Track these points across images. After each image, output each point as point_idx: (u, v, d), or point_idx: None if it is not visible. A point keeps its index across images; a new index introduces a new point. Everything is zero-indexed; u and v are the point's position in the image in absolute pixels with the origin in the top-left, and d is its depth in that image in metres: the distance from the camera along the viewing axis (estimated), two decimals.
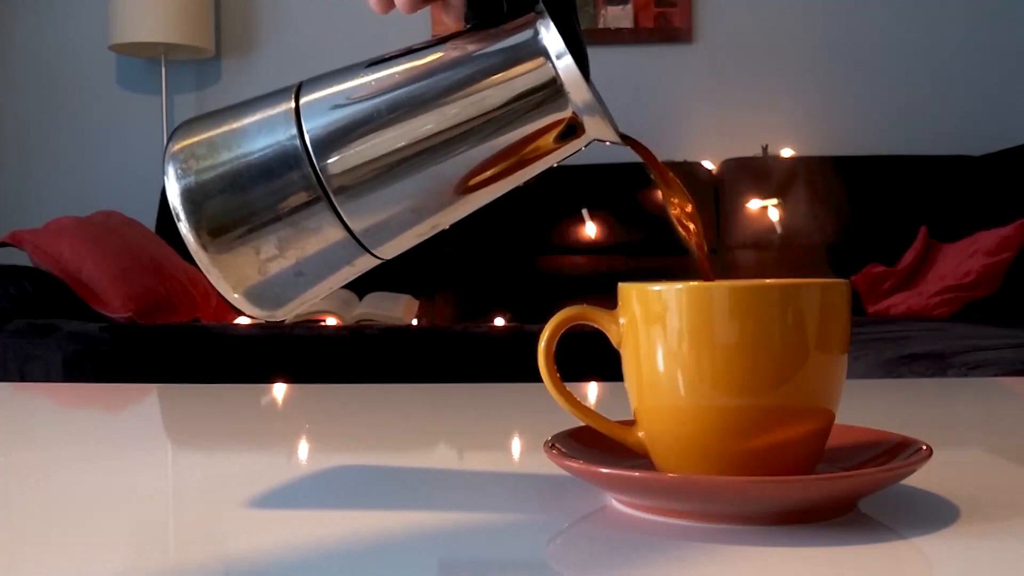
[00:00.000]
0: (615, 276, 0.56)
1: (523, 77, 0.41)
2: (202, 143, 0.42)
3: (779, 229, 2.81)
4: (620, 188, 2.86)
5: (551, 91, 0.41)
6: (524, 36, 0.41)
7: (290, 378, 1.98)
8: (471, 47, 0.42)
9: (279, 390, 0.90)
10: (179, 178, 0.42)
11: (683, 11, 3.12)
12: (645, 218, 2.85)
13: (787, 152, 3.00)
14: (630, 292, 0.43)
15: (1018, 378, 1.06)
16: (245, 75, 3.22)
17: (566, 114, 0.41)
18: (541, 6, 0.42)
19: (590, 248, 2.85)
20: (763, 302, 0.40)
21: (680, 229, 0.46)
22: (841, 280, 0.42)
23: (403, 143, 0.41)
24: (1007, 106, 3.10)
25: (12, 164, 3.28)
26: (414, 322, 2.59)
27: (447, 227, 0.45)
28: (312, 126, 0.41)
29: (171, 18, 2.91)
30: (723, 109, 3.11)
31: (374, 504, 0.44)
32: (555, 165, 0.44)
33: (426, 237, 0.45)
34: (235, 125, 0.42)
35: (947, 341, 1.69)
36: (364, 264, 0.44)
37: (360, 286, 2.74)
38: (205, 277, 0.42)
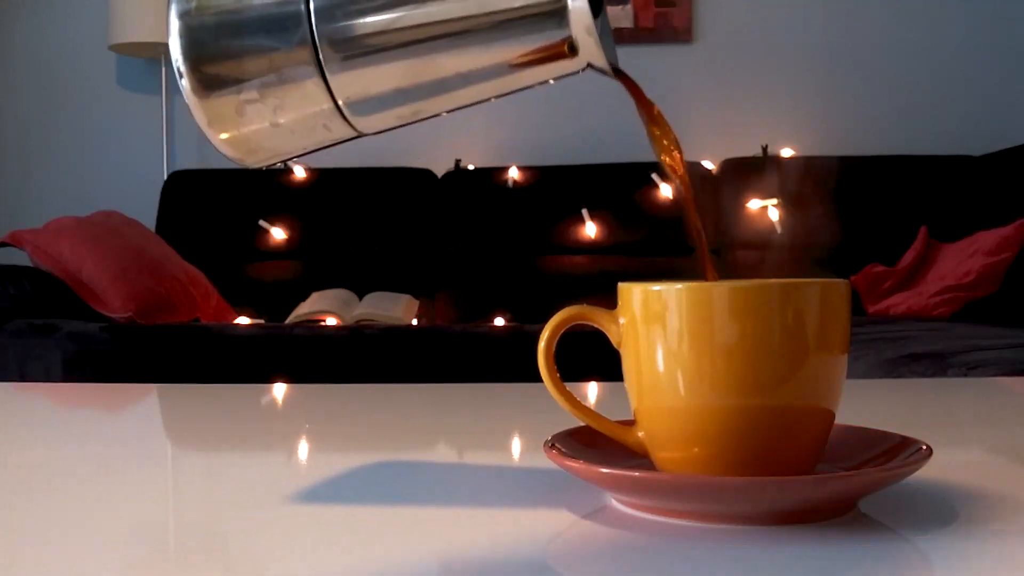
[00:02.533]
0: (615, 276, 0.56)
1: None
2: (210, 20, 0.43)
3: (779, 229, 2.81)
4: (620, 188, 2.86)
5: (555, 8, 0.42)
6: None
7: (290, 378, 1.98)
8: None
9: (279, 390, 0.90)
10: (181, 2, 0.43)
11: (683, 11, 3.12)
12: (645, 218, 2.85)
13: (787, 152, 3.00)
14: (630, 292, 0.43)
15: (1018, 378, 1.06)
16: None
17: (564, 33, 0.42)
18: None
19: (590, 248, 2.85)
20: (763, 302, 0.40)
21: (667, 169, 0.47)
22: (841, 280, 0.42)
23: (400, 25, 0.42)
24: (1007, 106, 3.10)
25: (12, 164, 3.28)
26: (414, 322, 2.59)
27: (429, 115, 0.45)
28: None
29: None
30: (723, 109, 3.11)
31: (374, 504, 0.44)
32: (548, 82, 0.45)
33: (406, 122, 0.45)
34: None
35: (947, 341, 1.69)
36: (340, 131, 0.45)
37: (360, 286, 2.74)
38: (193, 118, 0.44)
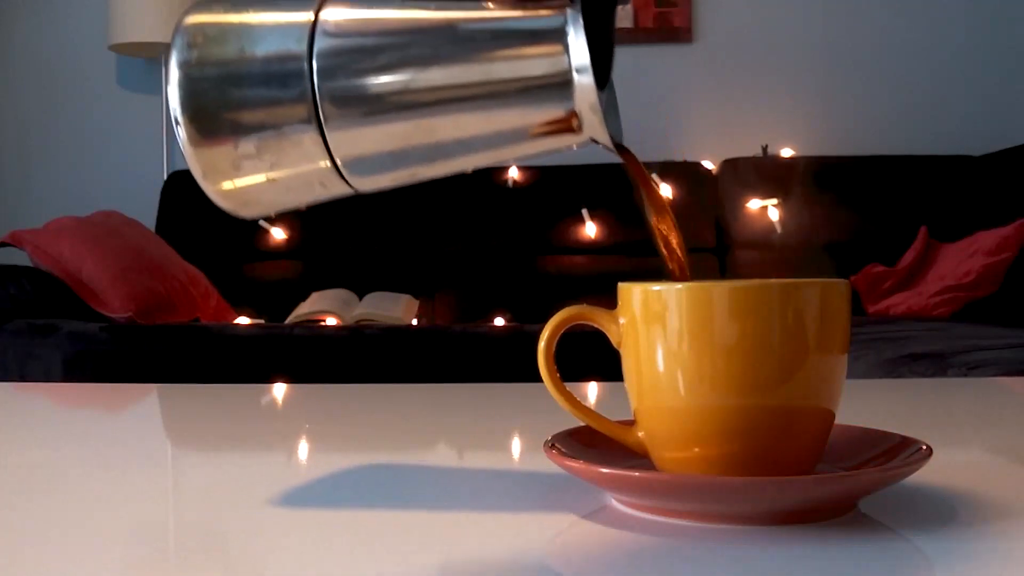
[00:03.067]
0: (615, 276, 0.56)
1: (536, 60, 0.41)
2: (215, 25, 0.43)
3: (779, 229, 2.81)
4: (620, 188, 2.86)
5: (559, 83, 0.41)
6: (552, 20, 0.41)
7: (290, 378, 1.98)
8: (497, 13, 0.42)
9: (279, 390, 0.90)
10: (183, 52, 0.42)
11: (683, 11, 3.12)
12: (645, 218, 2.85)
13: (787, 152, 3.00)
14: (630, 292, 0.43)
15: (1018, 378, 1.06)
16: None
17: (568, 107, 0.41)
18: None
19: (590, 248, 2.85)
20: (763, 302, 0.40)
21: (663, 252, 0.46)
22: (841, 280, 0.42)
23: (403, 88, 0.41)
24: (1007, 106, 3.10)
25: (12, 164, 3.28)
26: (414, 322, 2.59)
27: (426, 179, 0.45)
28: (323, 46, 0.42)
29: (171, 18, 2.91)
30: (723, 109, 3.11)
31: (374, 504, 0.44)
32: (547, 153, 0.44)
33: (402, 183, 0.45)
34: (252, 19, 0.43)
35: (947, 341, 1.69)
36: (336, 189, 0.44)
37: (360, 286, 2.74)
38: (187, 166, 0.43)
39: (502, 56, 0.41)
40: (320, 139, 0.42)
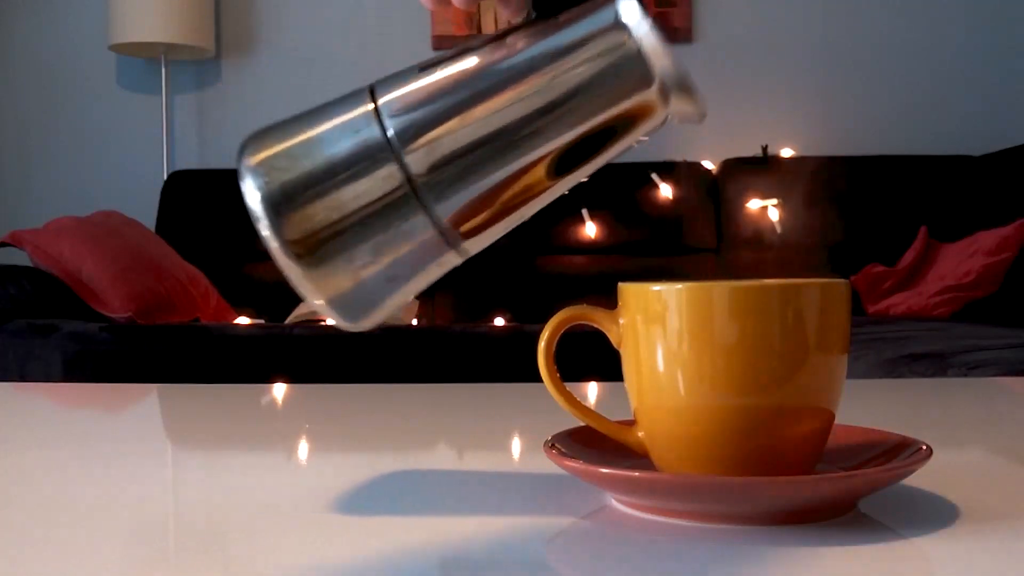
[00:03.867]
0: (615, 276, 0.56)
1: (605, 56, 0.40)
2: (280, 154, 0.41)
3: (779, 229, 2.81)
4: (620, 188, 2.86)
5: (635, 66, 0.40)
6: (603, 16, 0.40)
7: (290, 378, 1.98)
8: (545, 32, 0.41)
9: (279, 390, 0.90)
10: (263, 191, 0.40)
11: (683, 11, 3.12)
12: (645, 218, 2.85)
13: (787, 152, 3.00)
14: (630, 292, 0.43)
15: (1018, 378, 1.06)
16: (245, 75, 3.22)
17: (652, 89, 0.41)
18: None
19: (590, 248, 2.85)
20: (763, 302, 0.40)
21: None
22: (841, 280, 0.42)
23: (487, 132, 0.40)
24: (1007, 106, 3.10)
25: (12, 164, 3.28)
26: (414, 322, 2.59)
27: (531, 215, 0.44)
28: (395, 123, 0.40)
29: (171, 18, 2.91)
30: (723, 109, 3.11)
31: (374, 504, 0.44)
32: (639, 141, 0.43)
33: (510, 228, 0.43)
34: (312, 133, 0.41)
35: (947, 341, 1.69)
36: (450, 262, 0.42)
37: None
38: (290, 285, 0.41)
39: (569, 67, 0.41)
40: (425, 214, 0.40)
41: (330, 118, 0.42)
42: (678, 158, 2.97)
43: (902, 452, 0.42)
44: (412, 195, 0.40)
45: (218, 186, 2.96)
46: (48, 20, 3.27)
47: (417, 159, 0.40)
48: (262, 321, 2.59)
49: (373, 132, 0.40)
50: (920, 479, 0.45)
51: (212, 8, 3.06)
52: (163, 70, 3.11)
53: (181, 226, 2.89)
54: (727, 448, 0.41)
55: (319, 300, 0.41)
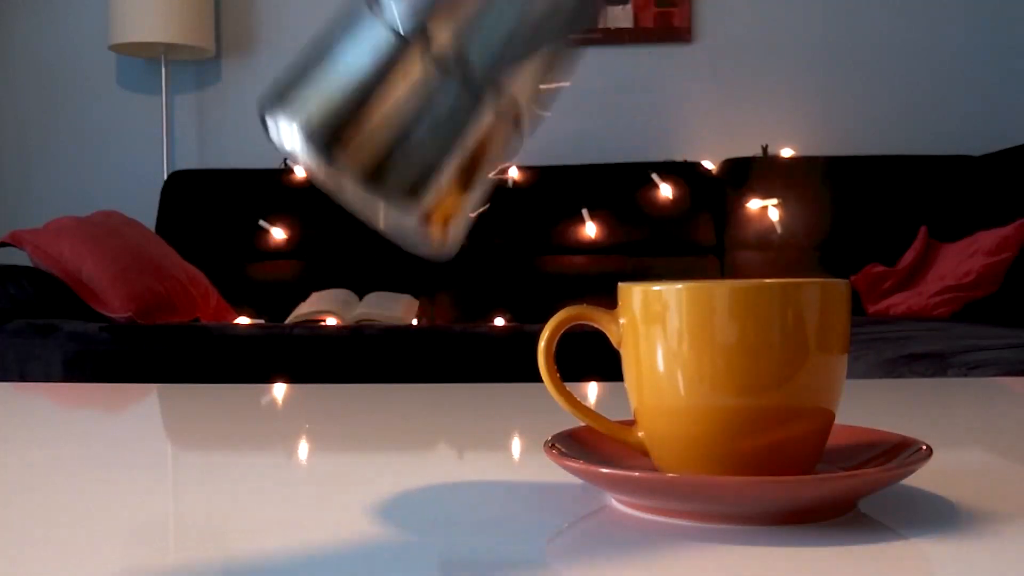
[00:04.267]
0: (615, 276, 0.56)
1: None
2: (306, 92, 0.39)
3: (779, 229, 2.81)
4: (620, 188, 2.86)
5: None
6: None
7: (290, 378, 1.98)
8: None
9: (279, 390, 0.90)
10: (305, 128, 0.38)
11: (683, 11, 3.12)
12: (645, 218, 2.85)
13: (787, 152, 3.00)
14: (630, 292, 0.43)
15: (1018, 378, 1.06)
16: (245, 75, 3.22)
17: None
18: None
19: (590, 248, 2.85)
20: (763, 302, 0.40)
21: None
22: (841, 280, 0.42)
23: None
24: (1007, 106, 3.11)
25: (12, 164, 3.28)
26: (414, 322, 2.59)
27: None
28: (400, 8, 0.39)
29: (171, 18, 2.91)
30: (723, 109, 3.12)
31: (374, 504, 0.44)
32: None
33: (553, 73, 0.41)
34: (328, 61, 0.39)
35: (947, 341, 1.69)
36: (505, 117, 0.40)
37: (360, 286, 2.74)
38: (362, 220, 0.39)
39: None
40: (464, 86, 0.38)
41: (338, 39, 0.41)
42: (678, 158, 2.98)
43: (902, 452, 0.42)
44: (446, 71, 0.38)
45: (218, 186, 2.96)
46: (48, 20, 3.27)
47: (437, 36, 0.38)
48: (262, 321, 2.59)
49: (382, 31, 0.40)
50: (920, 479, 0.45)
51: (212, 8, 3.07)
52: (163, 70, 3.11)
53: (181, 226, 2.89)
54: (727, 448, 0.41)
55: (401, 211, 0.39)
